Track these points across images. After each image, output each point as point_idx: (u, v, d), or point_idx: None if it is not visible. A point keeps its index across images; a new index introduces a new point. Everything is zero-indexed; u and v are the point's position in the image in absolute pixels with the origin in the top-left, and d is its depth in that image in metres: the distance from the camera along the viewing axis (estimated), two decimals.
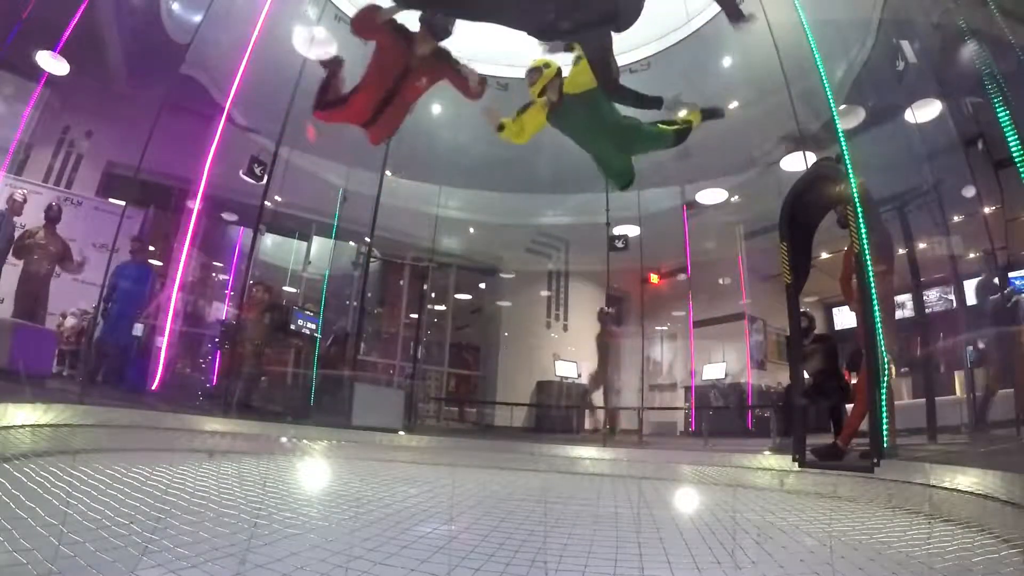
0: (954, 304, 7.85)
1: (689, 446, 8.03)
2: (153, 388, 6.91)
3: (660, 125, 3.91)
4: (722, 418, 10.75)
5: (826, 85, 5.50)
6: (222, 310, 9.70)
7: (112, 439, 4.19)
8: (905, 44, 6.67)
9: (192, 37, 7.51)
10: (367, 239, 9.57)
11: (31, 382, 4.47)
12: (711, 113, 4.10)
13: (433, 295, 12.98)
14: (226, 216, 10.33)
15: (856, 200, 4.30)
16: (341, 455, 5.90)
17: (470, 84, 3.55)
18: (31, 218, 7.14)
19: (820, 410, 5.47)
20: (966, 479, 3.11)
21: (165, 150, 6.95)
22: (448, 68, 3.52)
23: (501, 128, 3.85)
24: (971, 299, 6.81)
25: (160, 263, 9.15)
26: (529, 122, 3.79)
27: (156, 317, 7.55)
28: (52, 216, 6.95)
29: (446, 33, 3.41)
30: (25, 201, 7.01)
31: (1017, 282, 6.39)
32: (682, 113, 3.97)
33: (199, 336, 9.16)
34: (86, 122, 9.17)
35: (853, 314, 4.99)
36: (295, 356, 8.76)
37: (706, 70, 8.84)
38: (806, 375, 5.25)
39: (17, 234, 6.78)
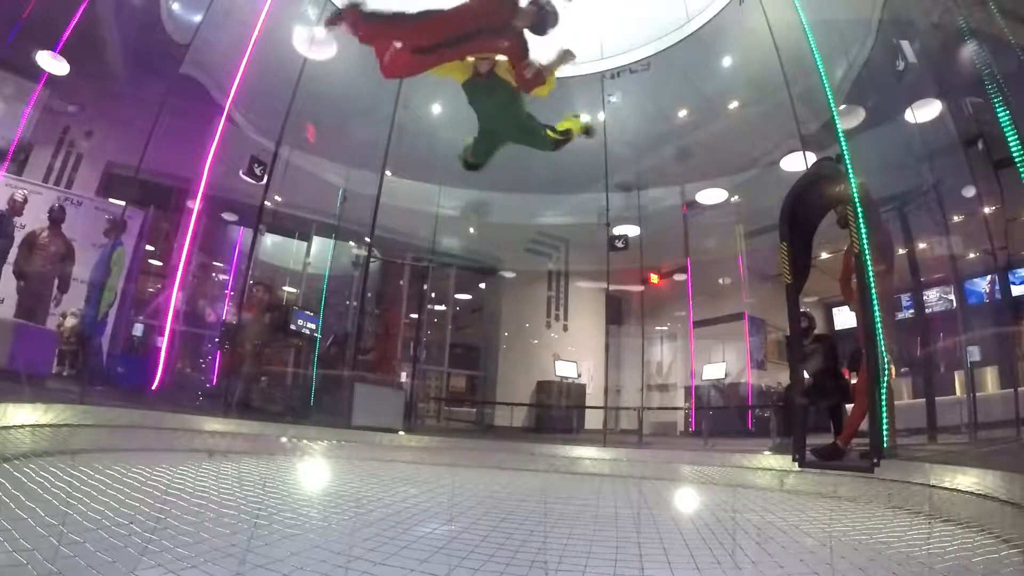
0: (954, 304, 7.86)
1: (689, 446, 8.03)
2: (153, 388, 6.90)
3: (548, 131, 4.07)
4: (722, 418, 10.75)
5: (826, 85, 5.50)
6: (222, 310, 9.71)
7: (112, 439, 4.19)
8: (905, 44, 6.67)
9: (192, 37, 7.51)
10: (367, 239, 9.57)
11: (31, 382, 4.46)
12: (587, 131, 4.24)
13: (433, 295, 12.99)
14: (226, 216, 10.33)
15: (856, 200, 4.30)
16: (341, 455, 5.91)
17: (526, 75, 3.60)
18: (31, 218, 7.14)
19: (820, 410, 5.47)
20: (966, 479, 3.11)
21: (165, 150, 6.94)
22: (521, 51, 3.58)
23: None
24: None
25: (161, 262, 9.18)
26: (449, 67, 3.75)
27: (155, 316, 7.56)
28: (56, 217, 6.97)
29: (543, 30, 3.52)
30: (25, 201, 7.02)
31: None
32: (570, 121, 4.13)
33: (198, 336, 9.17)
34: (86, 122, 9.17)
35: (853, 314, 4.98)
36: (295, 356, 8.76)
37: (706, 70, 8.85)
38: (806, 375, 5.24)
39: (20, 237, 6.79)
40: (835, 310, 11.71)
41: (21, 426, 3.50)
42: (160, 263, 9.58)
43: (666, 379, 12.74)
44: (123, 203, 8.20)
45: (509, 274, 13.28)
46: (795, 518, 3.24)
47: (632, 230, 10.04)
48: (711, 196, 10.52)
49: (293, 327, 8.31)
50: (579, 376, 12.35)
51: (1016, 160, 4.08)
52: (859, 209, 4.28)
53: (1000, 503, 2.72)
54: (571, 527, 2.88)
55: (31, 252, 6.70)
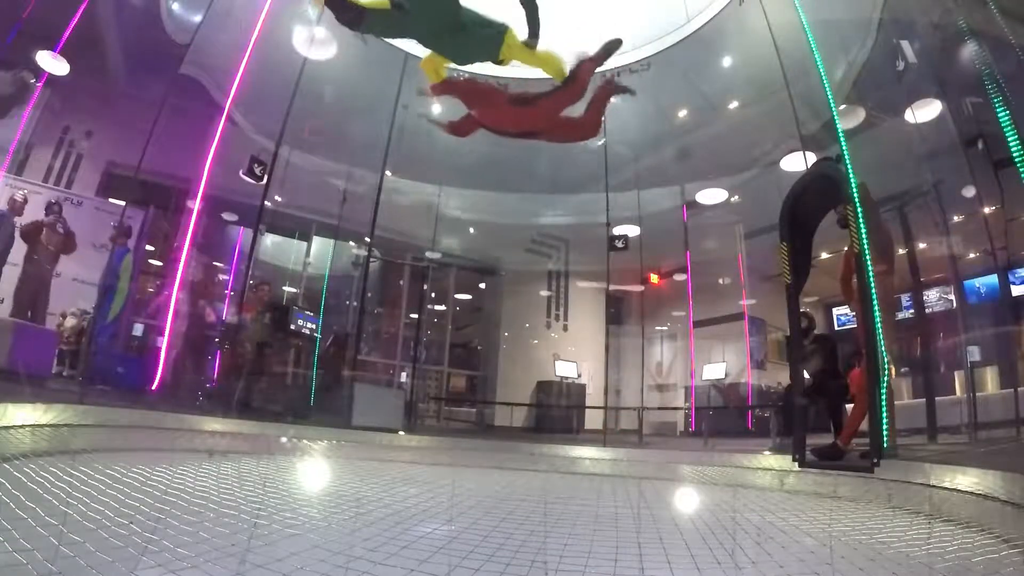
0: (954, 304, 7.85)
1: (689, 446, 8.02)
2: (153, 388, 6.89)
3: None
4: (722, 418, 10.75)
5: (826, 85, 5.50)
6: (222, 310, 9.70)
7: (112, 439, 4.19)
8: (905, 44, 6.67)
9: (192, 37, 7.51)
10: (367, 239, 9.58)
11: (31, 382, 4.46)
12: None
13: (433, 295, 12.98)
14: (226, 216, 10.33)
15: (856, 200, 4.29)
16: (341, 455, 5.90)
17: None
18: (31, 218, 7.15)
19: (820, 410, 5.46)
20: (966, 479, 3.10)
21: (165, 150, 6.94)
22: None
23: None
24: None
25: (160, 262, 9.18)
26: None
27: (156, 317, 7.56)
28: (53, 214, 6.99)
29: None
30: (26, 201, 7.03)
31: None
32: None
33: (198, 336, 9.15)
34: (86, 122, 9.17)
35: (853, 314, 4.98)
36: (295, 356, 8.75)
37: (706, 70, 8.85)
38: (806, 375, 5.24)
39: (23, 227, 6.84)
40: (835, 310, 11.73)
41: (21, 426, 3.50)
42: (160, 263, 9.58)
43: (666, 379, 12.74)
44: (123, 203, 8.21)
45: (508, 271, 13.26)
46: (795, 518, 3.24)
47: (632, 230, 10.04)
48: (711, 196, 10.52)
49: (293, 327, 8.30)
50: (579, 376, 12.35)
51: (1016, 160, 4.08)
52: (859, 209, 4.28)
53: (1000, 503, 2.72)
54: (571, 527, 2.88)
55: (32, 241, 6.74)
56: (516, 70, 3.95)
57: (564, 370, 12.27)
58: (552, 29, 3.60)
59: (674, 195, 10.68)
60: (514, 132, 3.75)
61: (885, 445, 3.90)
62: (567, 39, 3.82)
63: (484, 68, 3.80)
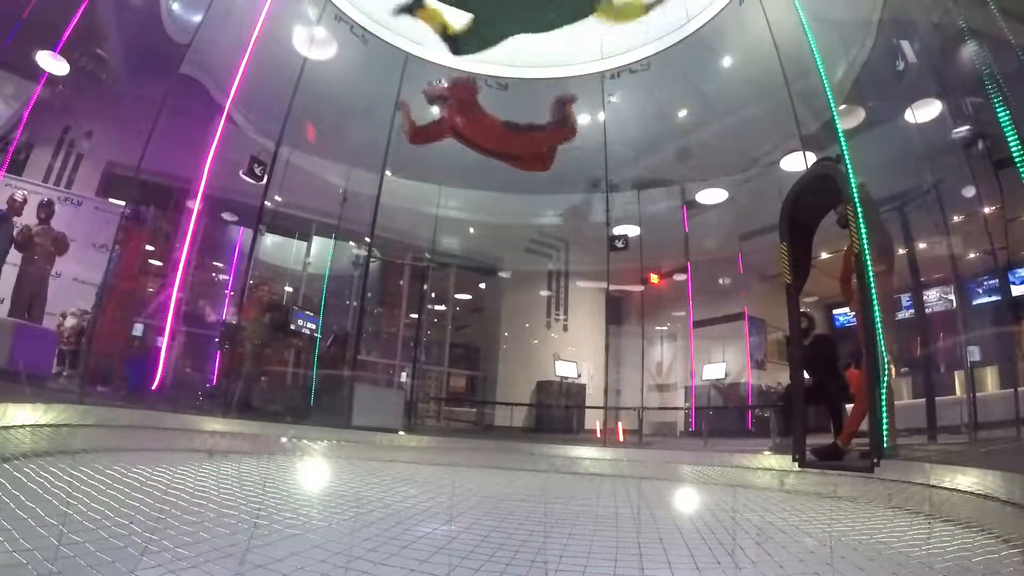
0: (954, 304, 7.85)
1: (689, 446, 8.02)
2: (153, 388, 6.90)
3: None
4: (722, 418, 10.74)
5: (826, 85, 5.50)
6: (222, 310, 9.70)
7: (112, 439, 4.19)
8: (905, 44, 6.67)
9: (192, 37, 7.51)
10: (367, 239, 9.58)
11: (31, 382, 4.46)
12: None
13: (433, 295, 12.98)
14: (226, 216, 10.33)
15: (856, 200, 4.29)
16: (341, 455, 5.90)
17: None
18: (30, 218, 7.15)
19: (820, 410, 5.46)
20: (966, 479, 3.10)
21: (165, 150, 6.94)
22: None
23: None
24: None
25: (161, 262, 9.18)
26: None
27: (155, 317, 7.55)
28: (46, 213, 6.98)
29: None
30: (25, 201, 7.02)
31: None
32: None
33: (198, 336, 9.16)
34: (86, 122, 9.16)
35: (853, 314, 4.98)
36: (295, 356, 8.75)
37: (706, 70, 8.85)
38: (806, 375, 5.24)
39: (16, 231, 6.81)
40: (835, 310, 11.73)
41: (21, 426, 3.50)
42: (160, 263, 9.58)
43: (666, 379, 12.73)
44: (123, 203, 8.21)
45: (505, 274, 13.26)
46: (795, 518, 3.24)
47: (632, 230, 10.04)
48: (711, 196, 10.52)
49: (293, 327, 8.30)
50: (579, 376, 12.35)
51: (1016, 160, 4.08)
52: (859, 209, 4.28)
53: (1000, 503, 2.72)
54: (571, 527, 2.88)
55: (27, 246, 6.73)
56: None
57: (564, 370, 12.27)
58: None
59: (674, 195, 10.68)
60: (487, 150, 3.80)
61: (885, 445, 3.91)
62: (566, 40, 3.83)
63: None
